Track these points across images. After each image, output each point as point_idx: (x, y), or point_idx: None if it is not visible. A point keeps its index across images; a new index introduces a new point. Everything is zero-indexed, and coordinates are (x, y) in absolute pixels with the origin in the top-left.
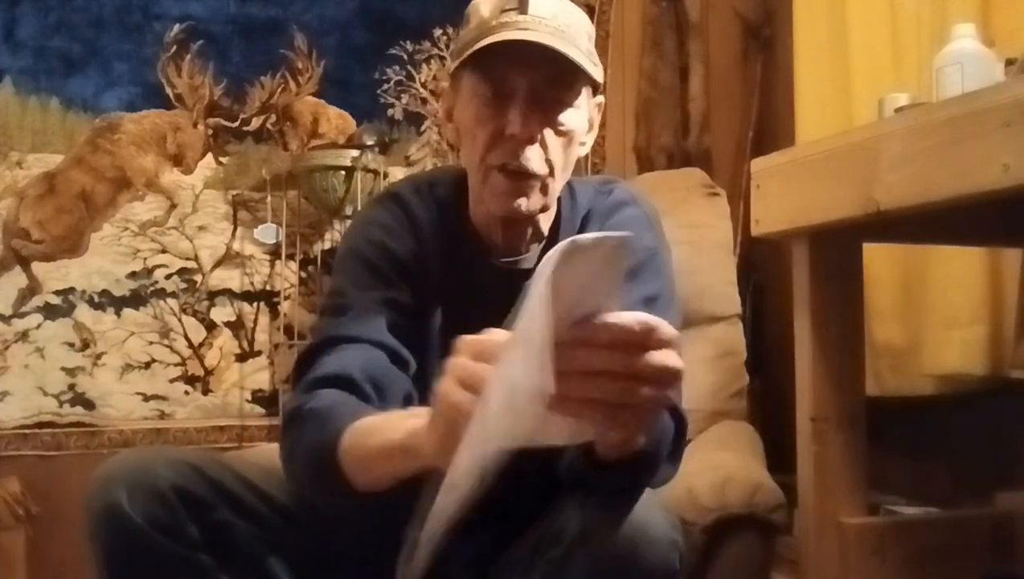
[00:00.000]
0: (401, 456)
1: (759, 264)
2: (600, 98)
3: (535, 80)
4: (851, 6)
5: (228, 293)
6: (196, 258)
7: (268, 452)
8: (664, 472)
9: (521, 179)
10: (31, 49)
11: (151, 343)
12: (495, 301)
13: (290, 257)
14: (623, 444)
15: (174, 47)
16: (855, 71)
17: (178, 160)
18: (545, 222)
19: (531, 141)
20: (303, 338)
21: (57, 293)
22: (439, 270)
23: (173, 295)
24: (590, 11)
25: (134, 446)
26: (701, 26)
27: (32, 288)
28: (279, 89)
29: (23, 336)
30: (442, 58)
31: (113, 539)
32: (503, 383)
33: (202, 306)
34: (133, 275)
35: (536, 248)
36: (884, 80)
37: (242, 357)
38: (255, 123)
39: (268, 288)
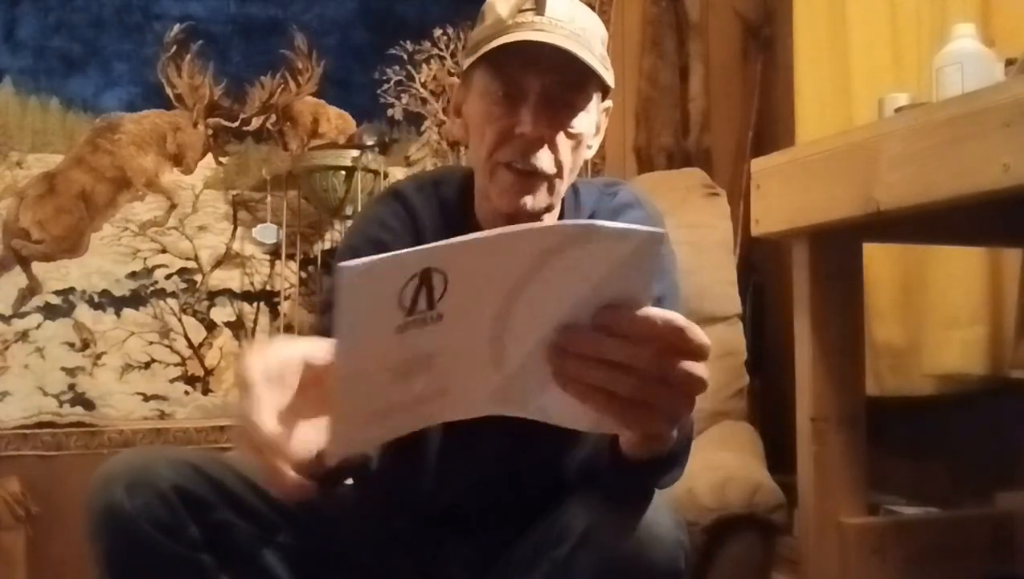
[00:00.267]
0: None
1: (759, 264)
2: (608, 103)
3: (549, 82)
4: (851, 6)
5: (228, 293)
6: (196, 258)
7: None
8: (674, 472)
9: (528, 177)
10: (31, 49)
11: (151, 343)
12: None
13: (290, 257)
14: (650, 444)
15: (174, 47)
16: (855, 71)
17: (178, 160)
18: (549, 221)
19: (541, 142)
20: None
21: (57, 293)
22: None
23: (173, 295)
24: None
25: (134, 446)
26: (701, 26)
27: (32, 288)
28: (279, 89)
29: (23, 336)
30: (442, 58)
31: (114, 539)
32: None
33: (202, 306)
34: (133, 275)
35: None
36: (884, 80)
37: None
38: (255, 123)
39: (268, 288)
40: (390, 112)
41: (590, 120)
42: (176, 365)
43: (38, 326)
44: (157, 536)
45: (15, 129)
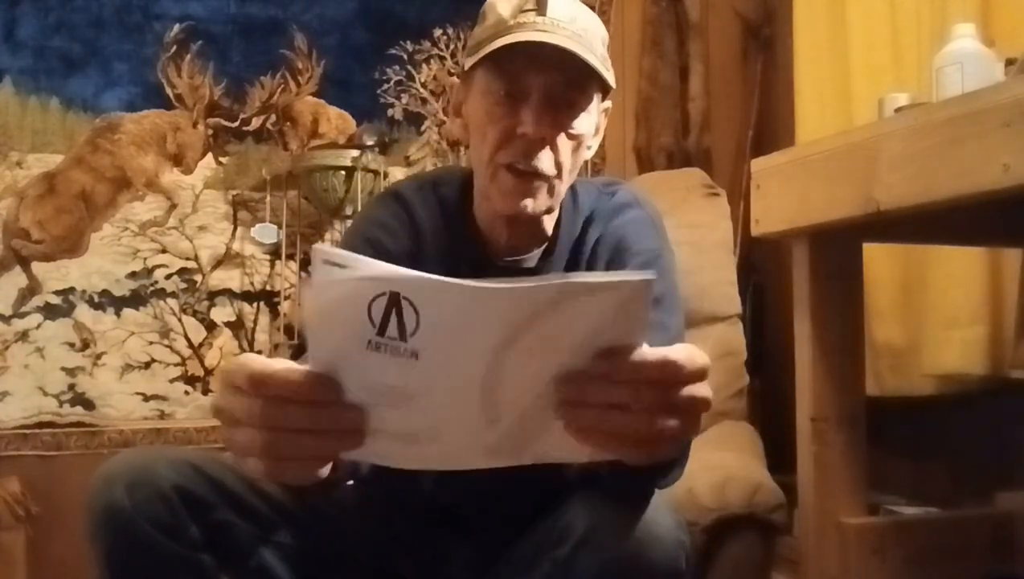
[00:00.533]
0: None
1: (759, 264)
2: (608, 103)
3: (550, 82)
4: (851, 6)
5: (228, 293)
6: (196, 258)
7: None
8: (674, 473)
9: (529, 179)
10: (31, 49)
11: (151, 343)
12: None
13: (290, 257)
14: (648, 459)
15: (174, 47)
16: (855, 71)
17: (178, 160)
18: (549, 223)
19: (543, 143)
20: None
21: (57, 293)
22: (439, 269)
23: (173, 295)
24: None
25: (134, 446)
26: (701, 26)
27: (32, 288)
28: (279, 89)
29: (23, 336)
30: (442, 58)
31: (114, 539)
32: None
33: (202, 306)
34: (133, 275)
35: (538, 249)
36: (884, 80)
37: None
38: (255, 123)
39: (268, 288)
40: (390, 112)
41: (591, 121)
42: (176, 365)
43: (38, 326)
44: (157, 536)
45: (15, 129)
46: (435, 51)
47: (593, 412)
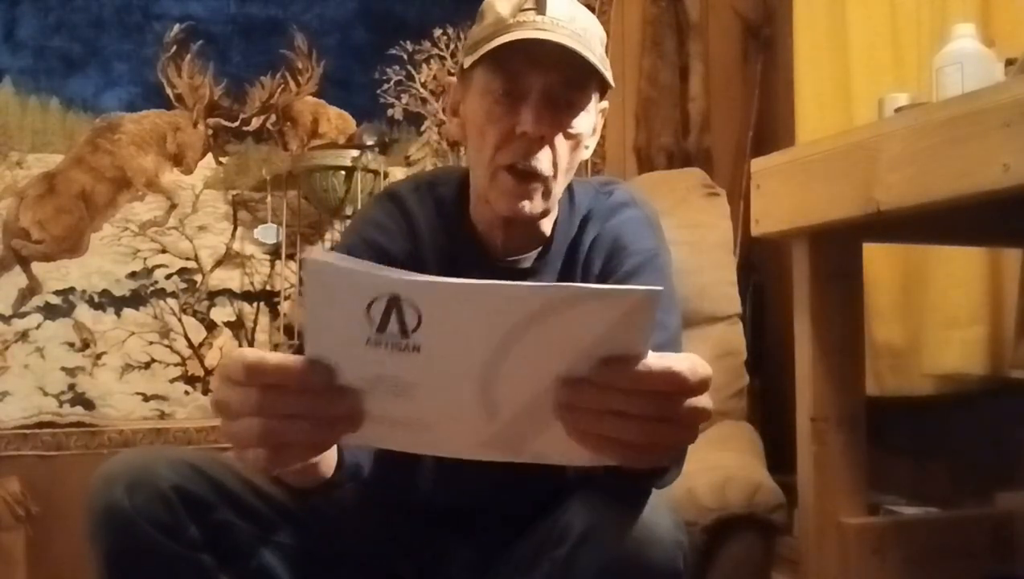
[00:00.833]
0: None
1: (759, 264)
2: (605, 104)
3: (550, 81)
4: (851, 6)
5: (228, 293)
6: (196, 258)
7: None
8: (671, 474)
9: (527, 180)
10: (31, 49)
11: (151, 343)
12: None
13: (290, 257)
14: (645, 465)
15: (174, 47)
16: (855, 71)
17: (178, 160)
18: (546, 224)
19: (541, 142)
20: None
21: (57, 293)
22: (436, 270)
23: (173, 295)
24: (590, 11)
25: (134, 446)
26: (701, 26)
27: (32, 288)
28: (279, 89)
29: (23, 336)
30: (442, 58)
31: (114, 539)
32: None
33: (202, 306)
34: (133, 275)
35: (535, 249)
36: (884, 80)
37: None
38: (255, 123)
39: (268, 288)
40: (390, 112)
41: (589, 120)
42: (176, 365)
43: (38, 326)
44: (157, 536)
45: (15, 129)
46: (435, 51)
47: (593, 417)
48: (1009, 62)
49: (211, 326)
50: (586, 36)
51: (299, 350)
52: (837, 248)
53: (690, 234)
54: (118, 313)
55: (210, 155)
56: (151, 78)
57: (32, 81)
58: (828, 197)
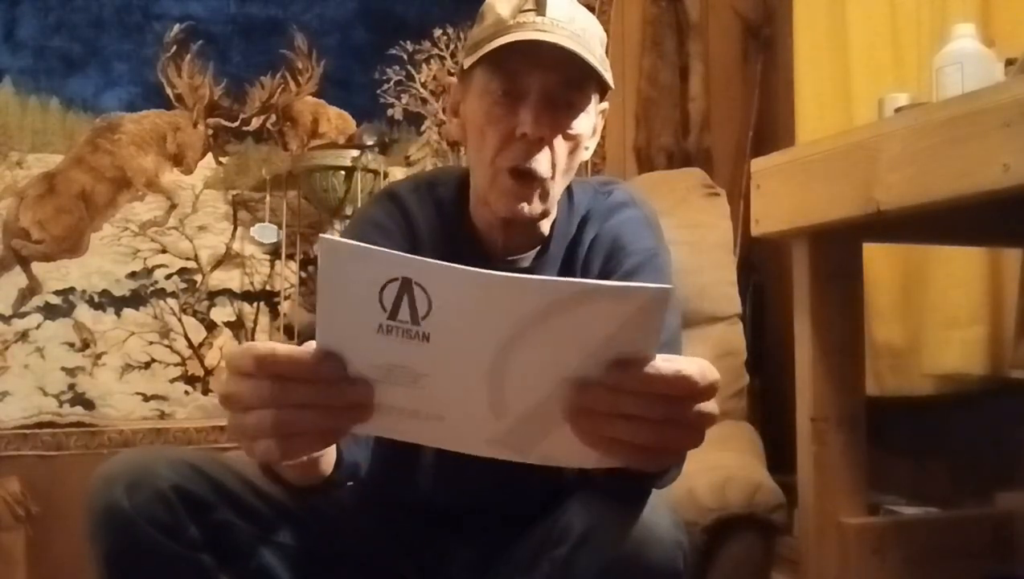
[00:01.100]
0: None
1: (759, 264)
2: (605, 104)
3: (550, 82)
4: (851, 6)
5: (228, 293)
6: (196, 258)
7: None
8: (671, 474)
9: (527, 182)
10: (31, 49)
11: (151, 343)
12: None
13: (290, 257)
14: (651, 467)
15: (174, 47)
16: (855, 71)
17: (178, 160)
18: (545, 225)
19: (540, 143)
20: (303, 339)
21: (57, 293)
22: None
23: (173, 295)
24: (590, 11)
25: (134, 446)
26: (701, 26)
27: (32, 288)
28: (279, 89)
29: (23, 336)
30: (442, 58)
31: (113, 539)
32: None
33: (202, 306)
34: (133, 275)
35: (534, 249)
36: (884, 80)
37: None
38: (255, 123)
39: (268, 288)
40: (390, 112)
41: (588, 121)
42: (176, 365)
43: (38, 326)
44: (157, 536)
45: (15, 129)
46: (435, 51)
47: (603, 420)
48: (1009, 62)
49: (211, 326)
50: (585, 37)
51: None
52: (837, 248)
53: (690, 234)
54: (118, 313)
55: (210, 155)
56: (151, 78)
57: (32, 81)
58: (828, 197)
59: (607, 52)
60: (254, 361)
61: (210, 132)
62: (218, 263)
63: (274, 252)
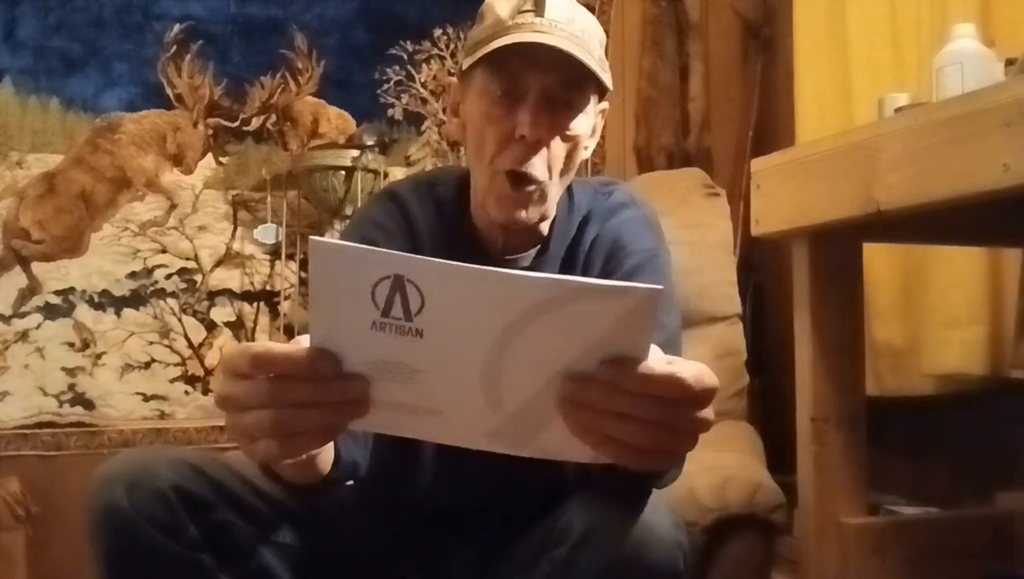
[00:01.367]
0: None
1: (759, 264)
2: (604, 104)
3: (548, 82)
4: (851, 6)
5: (228, 293)
6: (196, 258)
7: None
8: (671, 474)
9: (523, 184)
10: (31, 49)
11: (151, 343)
12: None
13: (290, 257)
14: (645, 467)
15: (174, 47)
16: (855, 71)
17: (178, 160)
18: (545, 224)
19: (538, 146)
20: None
21: (57, 293)
22: None
23: (173, 295)
24: (590, 11)
25: (134, 446)
26: (701, 26)
27: (32, 288)
28: (279, 89)
29: (23, 336)
30: (442, 58)
31: (113, 539)
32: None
33: (202, 306)
34: (133, 275)
35: (534, 248)
36: (884, 80)
37: None
38: (255, 123)
39: (268, 288)
40: (390, 112)
41: (587, 122)
42: (176, 365)
43: (38, 326)
44: (157, 536)
45: (15, 129)
46: (435, 51)
47: (595, 415)
48: (1009, 62)
49: (211, 326)
50: (584, 37)
51: None
52: (837, 248)
53: (690, 234)
54: (118, 313)
55: (210, 155)
56: (151, 78)
57: (32, 81)
58: (828, 197)
59: (607, 52)
60: (250, 361)
61: (210, 132)
62: (218, 263)
63: (274, 252)
